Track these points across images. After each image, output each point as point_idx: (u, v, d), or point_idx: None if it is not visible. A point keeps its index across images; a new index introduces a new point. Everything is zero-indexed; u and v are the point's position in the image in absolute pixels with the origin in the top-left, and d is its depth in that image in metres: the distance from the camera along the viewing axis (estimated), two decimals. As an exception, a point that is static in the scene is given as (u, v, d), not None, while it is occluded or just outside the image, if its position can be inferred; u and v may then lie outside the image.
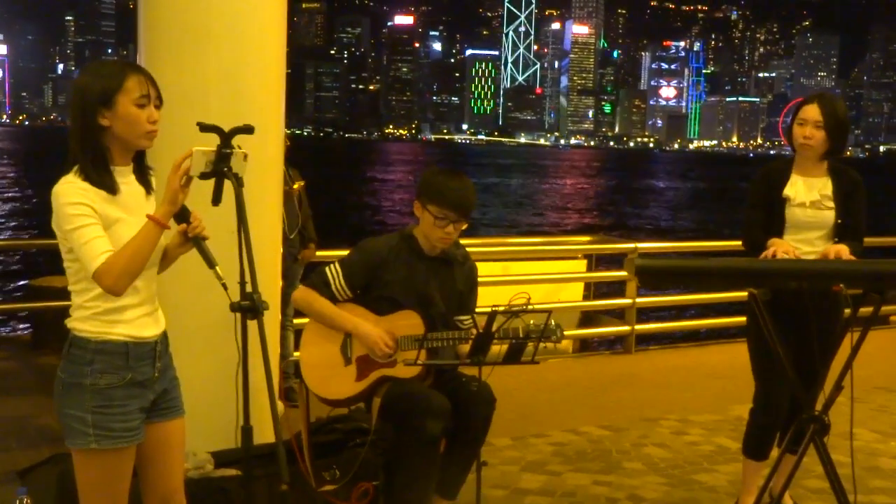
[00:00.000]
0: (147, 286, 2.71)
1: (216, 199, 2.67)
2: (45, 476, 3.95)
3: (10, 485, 4.03)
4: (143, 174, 2.73)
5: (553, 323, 3.64)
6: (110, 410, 2.61)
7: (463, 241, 4.27)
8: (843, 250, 3.78)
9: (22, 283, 17.75)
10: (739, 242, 4.25)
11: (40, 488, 3.74)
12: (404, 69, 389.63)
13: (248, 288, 2.65)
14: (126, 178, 2.67)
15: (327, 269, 3.93)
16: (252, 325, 2.68)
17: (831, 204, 3.99)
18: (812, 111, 3.96)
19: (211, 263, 2.64)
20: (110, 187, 2.59)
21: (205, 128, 2.70)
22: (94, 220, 2.54)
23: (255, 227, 3.11)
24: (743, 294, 4.03)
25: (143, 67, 2.71)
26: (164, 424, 2.79)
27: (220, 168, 2.65)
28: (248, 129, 2.72)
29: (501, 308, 3.41)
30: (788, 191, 4.01)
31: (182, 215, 2.68)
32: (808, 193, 4.00)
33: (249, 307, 2.63)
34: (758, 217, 4.08)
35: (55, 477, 3.80)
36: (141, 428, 2.70)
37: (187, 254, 2.81)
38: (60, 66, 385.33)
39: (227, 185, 2.70)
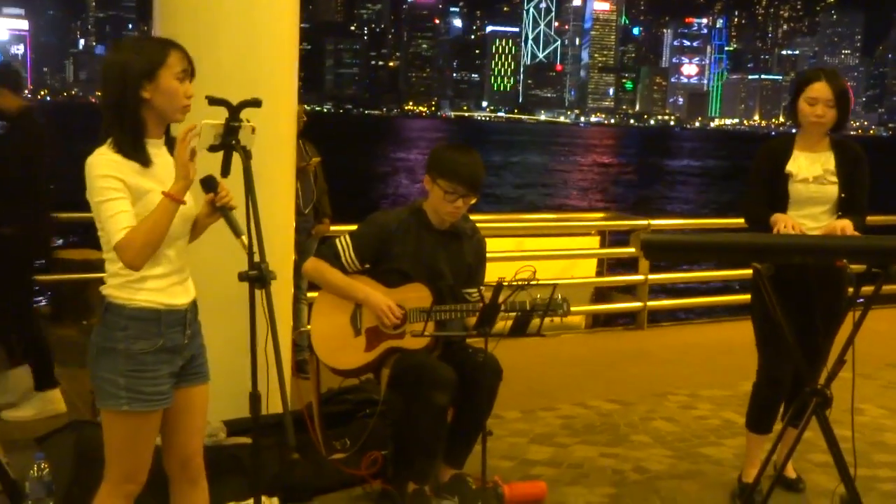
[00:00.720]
0: (178, 256, 2.80)
1: (225, 171, 2.74)
2: (62, 443, 4.03)
3: (29, 451, 4.13)
4: (172, 146, 2.81)
5: (559, 296, 3.71)
6: (142, 374, 2.71)
7: (476, 217, 4.33)
8: (848, 225, 3.80)
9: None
10: None
11: (57, 454, 3.83)
12: (424, 46, 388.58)
13: (256, 258, 2.71)
14: (158, 150, 2.77)
15: (337, 241, 3.99)
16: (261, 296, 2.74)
17: (834, 178, 4.00)
18: (822, 90, 3.94)
19: (237, 232, 2.72)
20: (143, 160, 2.69)
21: (213, 101, 2.76)
22: (122, 195, 2.62)
23: (267, 201, 3.17)
24: (752, 271, 4.07)
25: (179, 43, 2.78)
26: (190, 389, 2.88)
27: (229, 141, 2.72)
28: (255, 103, 2.77)
29: (507, 280, 3.47)
30: (791, 167, 4.02)
31: (210, 185, 2.75)
32: (811, 168, 4.02)
33: (257, 276, 2.69)
34: (759, 193, 4.09)
35: (72, 443, 3.89)
36: (170, 393, 2.80)
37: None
38: (81, 42, 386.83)
39: (236, 158, 2.76)
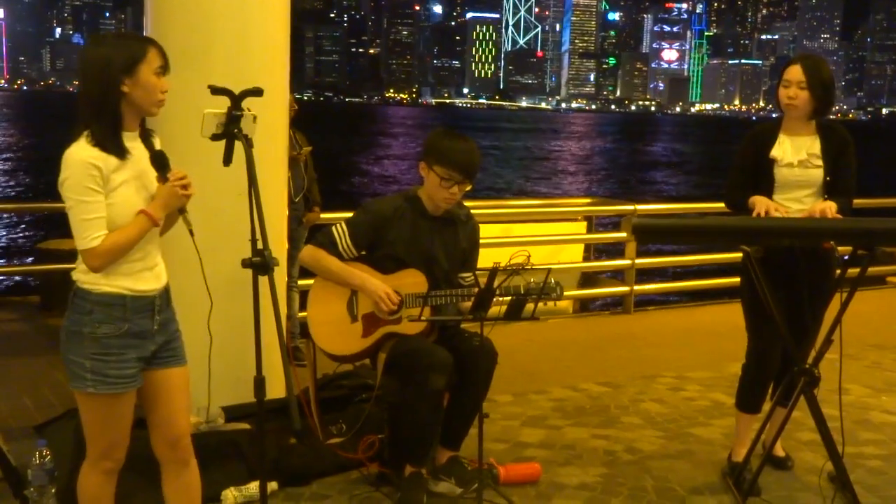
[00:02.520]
0: (147, 242, 2.85)
1: (227, 159, 2.78)
2: (61, 430, 4.07)
3: (28, 440, 4.17)
4: (146, 138, 2.88)
5: (553, 280, 3.76)
6: (107, 358, 2.78)
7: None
8: (830, 207, 3.87)
9: (29, 246, 17.91)
10: None
11: (57, 441, 3.86)
12: (405, 32, 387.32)
13: (259, 245, 2.75)
14: (134, 143, 2.82)
15: (333, 228, 4.03)
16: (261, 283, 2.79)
17: (819, 162, 4.06)
18: (795, 72, 4.03)
19: (185, 217, 2.83)
20: (120, 153, 2.74)
21: (215, 90, 2.80)
22: (98, 196, 2.69)
23: (261, 190, 3.21)
24: (738, 255, 4.15)
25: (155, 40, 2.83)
26: (165, 371, 2.95)
27: (231, 130, 2.76)
28: (257, 92, 2.81)
29: (502, 265, 3.52)
30: (776, 151, 4.09)
31: (161, 161, 2.81)
32: (796, 153, 4.08)
33: (260, 263, 2.73)
34: (741, 179, 4.16)
35: (71, 430, 3.92)
36: (137, 376, 2.86)
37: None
38: (58, 30, 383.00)
39: (237, 147, 2.79)
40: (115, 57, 2.71)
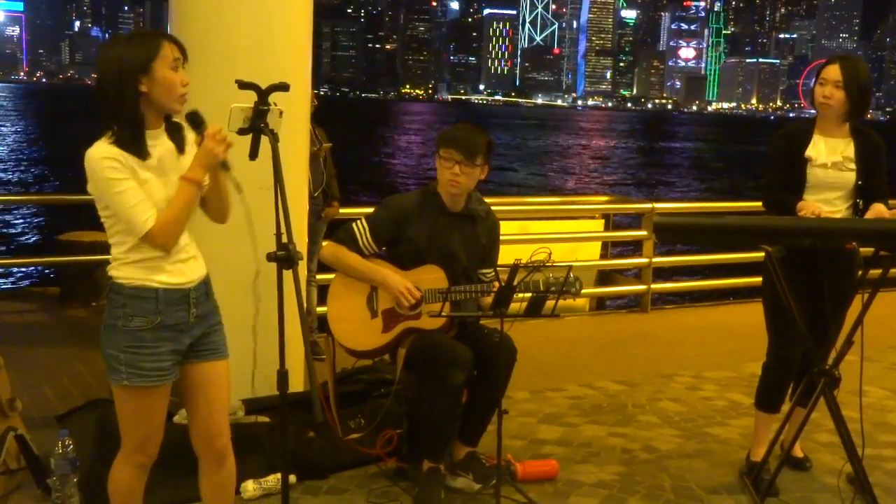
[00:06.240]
0: (182, 235, 2.85)
1: (253, 153, 2.79)
2: (83, 420, 4.11)
3: (50, 429, 4.21)
4: (174, 132, 2.86)
5: (572, 276, 3.76)
6: (141, 351, 2.79)
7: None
8: (884, 209, 3.88)
9: (48, 238, 17.99)
10: (758, 203, 4.30)
11: (79, 431, 3.90)
12: (421, 28, 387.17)
13: (284, 239, 2.76)
14: (157, 140, 2.81)
15: (354, 225, 4.05)
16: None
17: (852, 165, 4.03)
18: (833, 71, 4.00)
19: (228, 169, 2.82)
20: (141, 153, 2.73)
21: (243, 85, 2.81)
22: (133, 184, 2.69)
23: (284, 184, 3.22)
24: (757, 255, 4.13)
25: (169, 33, 2.82)
26: (203, 364, 2.95)
27: (257, 124, 2.77)
28: (283, 87, 2.83)
29: (524, 262, 3.52)
30: (811, 151, 4.06)
31: (196, 120, 2.80)
32: (830, 154, 4.05)
33: (285, 257, 2.75)
34: (778, 178, 4.12)
35: (93, 420, 3.96)
36: (172, 369, 2.86)
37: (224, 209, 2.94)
38: (77, 23, 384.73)
39: (263, 141, 2.81)
40: (128, 57, 2.69)
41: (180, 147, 2.85)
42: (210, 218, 2.97)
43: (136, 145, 2.71)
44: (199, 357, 2.93)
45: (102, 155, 2.68)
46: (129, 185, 2.68)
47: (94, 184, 2.72)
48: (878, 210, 3.90)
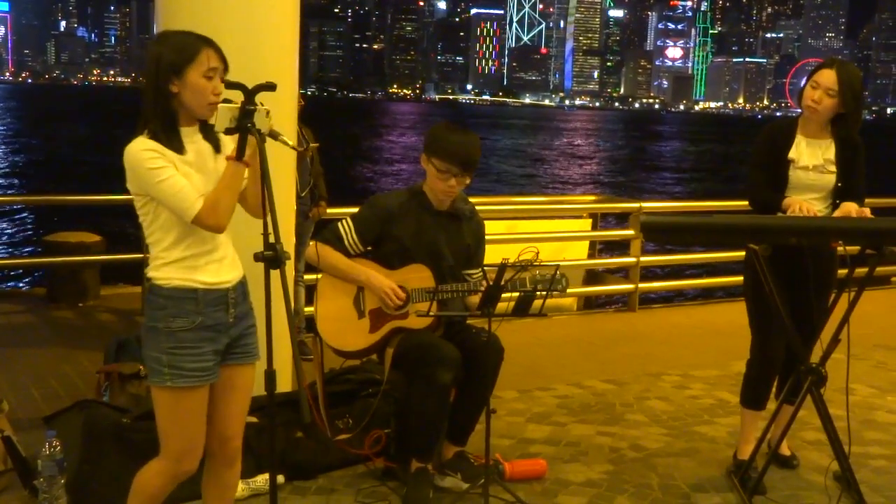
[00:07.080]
0: (213, 237, 2.86)
1: (240, 153, 2.78)
2: (70, 421, 4.08)
3: (37, 430, 4.18)
4: (208, 133, 2.88)
5: (558, 273, 3.77)
6: (183, 351, 2.79)
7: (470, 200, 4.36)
8: (862, 210, 3.88)
9: (35, 238, 17.95)
10: (744, 203, 4.30)
11: (66, 432, 3.88)
12: (408, 28, 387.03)
13: (272, 239, 2.76)
14: (192, 139, 2.83)
15: (340, 224, 4.04)
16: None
17: (833, 168, 4.04)
18: (828, 77, 3.95)
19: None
20: (177, 148, 2.76)
21: (229, 85, 2.80)
22: (171, 172, 2.71)
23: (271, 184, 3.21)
24: (744, 253, 4.14)
25: (213, 41, 2.81)
26: (234, 368, 2.95)
27: (244, 124, 2.76)
28: (270, 87, 2.81)
29: (511, 261, 3.52)
30: (793, 153, 4.06)
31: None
32: (812, 157, 4.05)
33: (272, 257, 2.74)
34: (764, 177, 4.12)
35: (80, 422, 3.94)
36: (214, 369, 2.87)
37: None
38: (63, 23, 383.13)
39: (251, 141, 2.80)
40: (165, 56, 2.73)
41: (216, 146, 2.88)
42: (247, 210, 2.96)
43: (170, 140, 2.74)
44: (233, 359, 2.94)
45: (142, 147, 2.70)
46: (171, 172, 2.70)
47: (135, 178, 2.73)
48: (845, 209, 3.90)
